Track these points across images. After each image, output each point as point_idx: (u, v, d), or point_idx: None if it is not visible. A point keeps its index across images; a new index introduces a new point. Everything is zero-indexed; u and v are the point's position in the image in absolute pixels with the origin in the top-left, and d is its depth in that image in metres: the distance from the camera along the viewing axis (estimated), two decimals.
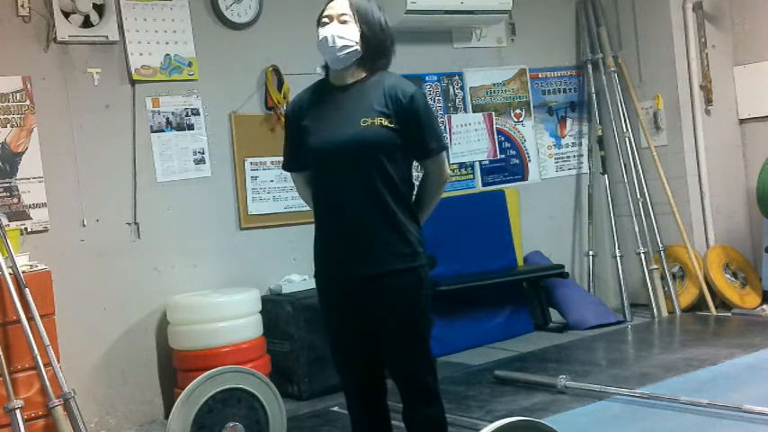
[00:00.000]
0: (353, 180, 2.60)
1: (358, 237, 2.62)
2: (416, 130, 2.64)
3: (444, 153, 2.74)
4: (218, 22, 5.07)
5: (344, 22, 2.64)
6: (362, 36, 2.64)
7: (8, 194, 4.35)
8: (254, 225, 5.12)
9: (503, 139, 6.27)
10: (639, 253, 6.11)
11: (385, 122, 2.60)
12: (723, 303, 6.03)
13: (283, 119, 4.71)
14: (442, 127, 5.97)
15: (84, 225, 4.57)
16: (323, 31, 2.65)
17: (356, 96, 2.66)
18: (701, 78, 6.26)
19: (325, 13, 2.69)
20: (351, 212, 2.62)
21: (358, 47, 2.63)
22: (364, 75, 2.68)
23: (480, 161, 6.16)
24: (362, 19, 2.65)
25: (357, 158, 2.59)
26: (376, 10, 2.70)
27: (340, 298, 2.70)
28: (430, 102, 5.52)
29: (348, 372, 2.77)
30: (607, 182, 6.45)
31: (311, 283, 4.96)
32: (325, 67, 2.74)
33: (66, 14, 4.53)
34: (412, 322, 2.65)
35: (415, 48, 5.83)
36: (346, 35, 2.62)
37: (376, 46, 2.67)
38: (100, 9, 4.64)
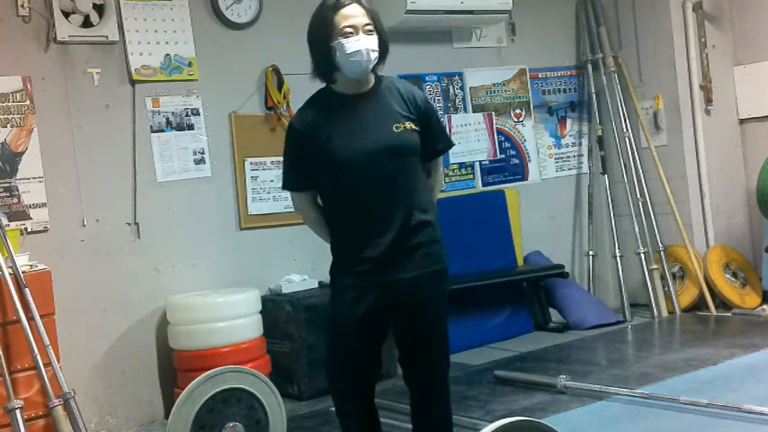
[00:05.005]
0: (389, 187, 2.62)
1: (397, 241, 2.63)
2: (430, 132, 2.74)
3: (451, 143, 2.92)
4: (218, 22, 5.07)
5: (370, 32, 2.62)
6: (380, 42, 2.65)
7: (8, 194, 4.35)
8: (254, 225, 5.12)
9: (503, 139, 6.27)
10: (639, 253, 6.11)
11: (413, 126, 2.67)
12: (723, 303, 6.02)
13: (285, 123, 4.76)
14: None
15: (84, 225, 4.57)
16: (354, 44, 2.57)
17: (377, 103, 2.66)
18: (701, 78, 6.26)
19: (347, 24, 2.59)
20: (387, 218, 2.62)
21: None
22: (374, 79, 2.71)
23: (480, 161, 6.16)
24: (379, 25, 2.67)
25: (393, 164, 2.62)
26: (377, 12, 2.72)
27: (369, 301, 2.67)
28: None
29: (353, 373, 2.77)
30: (607, 182, 6.45)
31: (311, 283, 4.98)
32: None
33: (66, 14, 4.54)
34: (441, 319, 2.74)
35: (415, 48, 5.84)
36: (376, 46, 2.62)
37: (385, 50, 2.70)
38: (100, 9, 4.64)
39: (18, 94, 4.41)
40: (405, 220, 2.63)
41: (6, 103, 4.37)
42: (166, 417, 4.29)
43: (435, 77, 5.98)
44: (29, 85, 4.43)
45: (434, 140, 2.78)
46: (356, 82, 2.66)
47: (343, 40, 2.58)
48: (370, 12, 2.65)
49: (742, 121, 6.44)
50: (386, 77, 2.75)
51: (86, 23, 4.60)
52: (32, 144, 4.43)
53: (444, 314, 2.74)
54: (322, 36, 2.62)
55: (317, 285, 5.01)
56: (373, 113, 2.65)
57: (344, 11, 2.60)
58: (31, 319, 3.63)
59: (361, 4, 2.63)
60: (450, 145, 2.89)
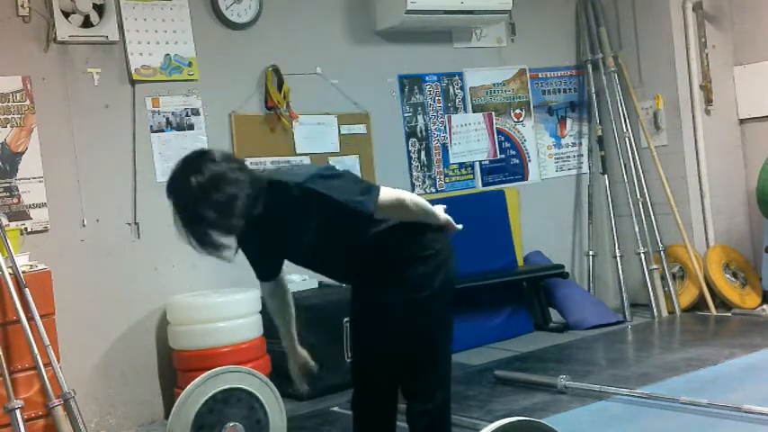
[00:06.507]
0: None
1: None
2: (335, 206, 2.52)
3: (374, 202, 2.54)
4: (218, 22, 5.07)
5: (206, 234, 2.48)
6: (224, 215, 2.44)
7: (8, 194, 4.35)
8: None
9: (503, 139, 6.27)
10: (639, 253, 6.10)
11: (312, 225, 2.57)
12: (723, 303, 6.02)
13: (285, 123, 4.78)
14: (443, 127, 5.97)
15: (84, 225, 4.56)
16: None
17: (278, 226, 2.60)
18: (701, 78, 6.26)
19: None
20: None
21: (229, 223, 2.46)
22: (261, 209, 2.49)
23: (480, 161, 6.16)
24: (206, 206, 2.45)
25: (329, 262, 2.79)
26: (210, 181, 2.45)
27: None
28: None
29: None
30: (607, 182, 6.45)
31: (311, 284, 4.98)
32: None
33: (67, 14, 4.53)
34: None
35: (415, 48, 5.84)
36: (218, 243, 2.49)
37: (243, 206, 2.44)
38: (100, 9, 4.64)
39: (18, 94, 4.41)
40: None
41: (6, 103, 4.37)
42: (166, 417, 4.28)
43: (435, 77, 5.98)
44: (29, 85, 4.43)
45: (347, 209, 2.52)
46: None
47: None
48: (194, 193, 2.45)
49: (742, 121, 6.44)
50: (272, 193, 2.51)
51: (86, 23, 4.59)
52: (32, 144, 4.43)
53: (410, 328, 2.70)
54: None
55: (316, 285, 5.00)
56: (281, 235, 2.69)
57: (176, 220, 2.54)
58: (31, 319, 3.63)
59: (180, 194, 2.51)
60: (366, 211, 2.53)
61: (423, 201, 2.74)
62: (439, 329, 2.74)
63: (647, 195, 6.28)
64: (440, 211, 2.78)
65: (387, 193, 2.59)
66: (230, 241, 2.50)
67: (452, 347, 2.81)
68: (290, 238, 2.66)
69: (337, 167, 2.77)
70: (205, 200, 2.42)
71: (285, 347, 3.02)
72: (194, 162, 2.51)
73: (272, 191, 2.51)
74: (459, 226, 2.81)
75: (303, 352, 3.03)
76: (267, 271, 2.84)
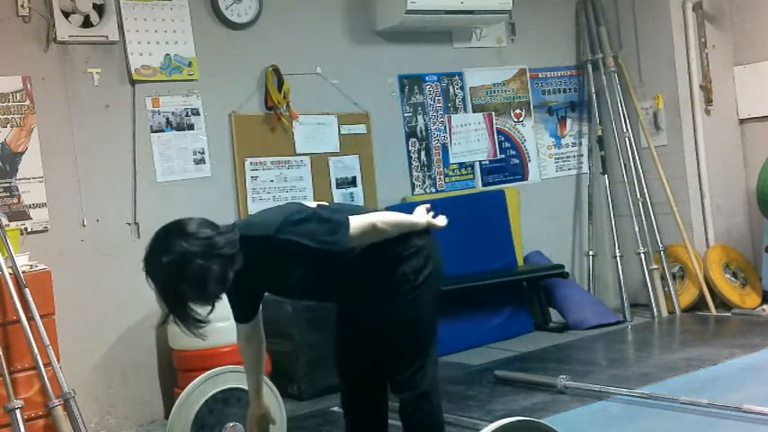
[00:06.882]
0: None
1: None
2: (310, 250, 2.55)
3: (347, 238, 2.58)
4: (218, 22, 5.07)
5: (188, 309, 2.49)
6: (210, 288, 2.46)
7: (8, 194, 4.35)
8: None
9: (503, 139, 6.27)
10: (639, 253, 6.10)
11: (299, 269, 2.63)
12: (723, 303, 6.02)
13: (285, 123, 4.75)
14: (443, 127, 5.97)
15: (84, 225, 4.57)
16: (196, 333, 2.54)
17: (259, 273, 2.61)
18: (701, 78, 6.26)
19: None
20: None
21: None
22: (242, 259, 2.51)
23: (480, 161, 6.16)
24: (193, 290, 2.46)
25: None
26: (187, 262, 2.44)
27: None
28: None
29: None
30: (607, 182, 6.45)
31: None
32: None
33: (67, 14, 4.54)
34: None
35: (415, 48, 5.84)
36: (203, 314, 2.52)
37: (218, 274, 2.45)
38: (100, 9, 4.64)
39: (18, 94, 4.41)
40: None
41: (6, 103, 4.37)
42: (166, 417, 4.28)
43: (435, 77, 5.98)
44: (29, 85, 4.43)
45: (319, 247, 2.56)
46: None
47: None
48: (167, 273, 2.43)
49: (742, 121, 6.44)
50: (247, 249, 2.53)
51: (86, 23, 4.60)
52: (32, 144, 4.43)
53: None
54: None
55: None
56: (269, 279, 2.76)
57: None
58: (31, 319, 3.63)
59: (156, 275, 2.48)
60: (339, 247, 2.58)
61: (395, 216, 2.76)
62: (429, 324, 2.82)
63: (647, 195, 6.28)
64: (420, 214, 2.81)
65: (357, 224, 2.61)
66: (208, 314, 2.52)
67: (437, 337, 2.88)
68: (273, 281, 2.71)
69: (303, 205, 2.74)
70: (179, 277, 2.43)
71: (250, 395, 3.01)
72: (164, 240, 2.51)
73: (245, 247, 2.52)
74: (443, 222, 2.84)
75: (266, 403, 3.04)
76: (247, 311, 2.83)
